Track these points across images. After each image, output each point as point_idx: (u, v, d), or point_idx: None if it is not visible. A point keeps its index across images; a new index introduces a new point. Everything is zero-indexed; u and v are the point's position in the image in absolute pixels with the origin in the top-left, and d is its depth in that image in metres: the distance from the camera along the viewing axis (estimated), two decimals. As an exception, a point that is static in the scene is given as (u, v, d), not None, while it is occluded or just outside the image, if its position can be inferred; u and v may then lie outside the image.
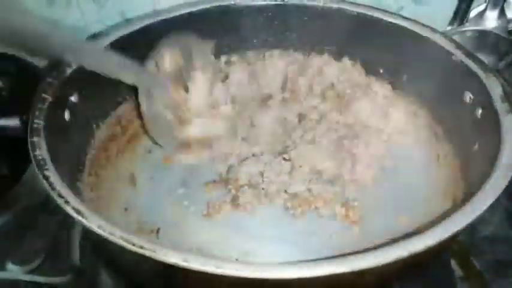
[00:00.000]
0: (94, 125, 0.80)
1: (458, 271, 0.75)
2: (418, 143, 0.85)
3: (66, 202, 0.54)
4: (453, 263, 0.76)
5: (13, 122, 0.78)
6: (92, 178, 0.75)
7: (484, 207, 0.55)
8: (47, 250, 0.75)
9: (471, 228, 0.77)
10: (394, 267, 0.51)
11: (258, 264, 0.50)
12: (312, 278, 0.48)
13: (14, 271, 0.72)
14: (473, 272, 0.75)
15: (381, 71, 0.92)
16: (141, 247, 0.49)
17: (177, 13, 0.87)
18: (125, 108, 0.86)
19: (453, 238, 0.53)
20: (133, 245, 0.49)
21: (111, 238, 0.50)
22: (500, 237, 0.79)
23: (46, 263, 0.74)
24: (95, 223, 0.52)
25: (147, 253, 0.48)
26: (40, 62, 0.98)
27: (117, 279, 0.73)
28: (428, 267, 0.67)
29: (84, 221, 0.53)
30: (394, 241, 0.51)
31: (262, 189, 0.79)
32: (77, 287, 0.72)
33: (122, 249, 0.50)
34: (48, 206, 0.78)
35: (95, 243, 0.70)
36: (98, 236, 0.51)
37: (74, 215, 0.53)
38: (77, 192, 0.65)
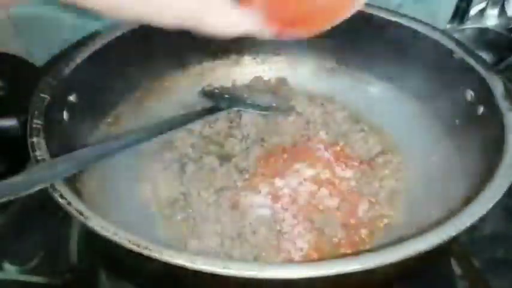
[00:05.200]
0: (93, 124, 0.79)
1: (457, 270, 0.75)
2: (419, 142, 0.84)
3: (69, 203, 0.54)
4: (453, 262, 0.76)
5: (11, 122, 0.77)
6: (91, 178, 0.74)
7: (490, 206, 0.55)
8: (44, 250, 0.74)
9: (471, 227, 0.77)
10: (394, 268, 0.51)
11: (265, 264, 0.49)
12: (318, 277, 0.48)
13: (11, 271, 0.71)
14: (472, 270, 0.75)
15: (381, 69, 0.91)
16: (147, 248, 0.48)
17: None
18: (124, 108, 0.86)
19: (455, 239, 0.53)
20: (139, 246, 0.48)
21: (116, 239, 0.50)
22: (499, 236, 0.79)
23: (44, 264, 0.73)
24: (98, 224, 0.51)
25: (153, 254, 0.48)
26: (38, 62, 0.98)
27: (116, 280, 0.73)
28: (429, 266, 0.68)
29: (87, 222, 0.52)
30: (398, 241, 0.51)
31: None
32: (75, 287, 0.72)
33: (126, 250, 0.49)
34: (45, 206, 0.77)
35: (95, 244, 0.70)
36: (101, 237, 0.51)
37: (77, 216, 0.53)
38: (77, 193, 0.64)
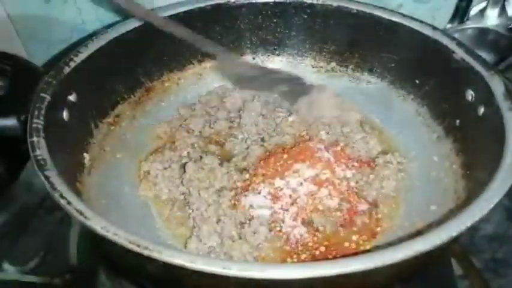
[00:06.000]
0: (92, 124, 0.79)
1: (457, 269, 0.75)
2: (419, 142, 0.84)
3: (69, 203, 0.54)
4: (453, 262, 0.76)
5: (11, 121, 0.77)
6: (91, 178, 0.74)
7: (490, 206, 0.55)
8: (44, 250, 0.74)
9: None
10: (395, 269, 0.51)
11: (265, 264, 0.49)
12: (319, 278, 0.48)
13: (10, 271, 0.71)
14: (472, 270, 0.75)
15: (381, 69, 0.92)
16: (147, 248, 0.48)
17: (175, 11, 0.87)
18: (124, 107, 0.86)
19: (455, 239, 0.53)
20: (139, 246, 0.48)
21: (116, 239, 0.50)
22: (499, 236, 0.79)
23: (43, 263, 0.73)
24: (98, 224, 0.51)
25: (153, 254, 0.48)
26: (38, 62, 0.98)
27: (116, 280, 0.72)
28: (429, 267, 0.67)
29: (87, 222, 0.52)
30: (398, 242, 0.51)
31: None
32: (75, 287, 0.72)
33: (126, 250, 0.49)
34: (45, 206, 0.78)
35: (95, 244, 0.70)
36: (101, 237, 0.51)
37: (77, 216, 0.53)
38: (77, 192, 0.64)
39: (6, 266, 0.72)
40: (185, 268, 0.47)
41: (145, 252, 0.48)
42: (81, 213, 0.53)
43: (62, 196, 0.55)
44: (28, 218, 0.78)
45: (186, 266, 0.47)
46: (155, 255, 0.48)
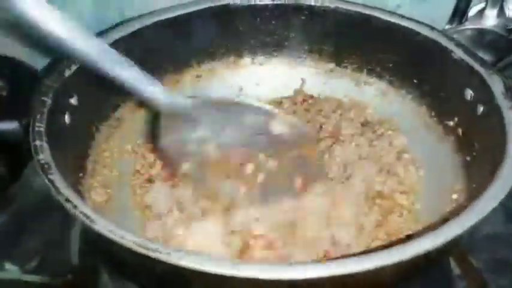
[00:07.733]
0: (94, 128, 0.79)
1: (456, 269, 0.75)
2: (418, 142, 0.85)
3: (75, 207, 0.54)
4: (451, 262, 0.76)
5: (12, 125, 0.77)
6: (93, 181, 0.74)
7: (492, 206, 0.55)
8: (45, 250, 0.75)
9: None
10: (393, 270, 0.51)
11: (267, 265, 0.49)
12: (318, 278, 0.48)
13: (12, 271, 0.72)
14: (471, 270, 0.75)
15: (379, 69, 0.92)
16: (154, 250, 0.48)
17: (175, 14, 0.87)
18: (125, 110, 0.86)
19: (458, 239, 0.53)
20: (147, 249, 0.48)
21: (122, 242, 0.50)
22: (498, 236, 0.79)
23: (44, 263, 0.73)
24: (105, 228, 0.51)
25: (162, 257, 0.48)
26: (38, 65, 0.97)
27: (118, 281, 0.73)
28: (430, 266, 0.68)
29: (94, 225, 0.52)
30: (398, 243, 0.51)
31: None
32: (76, 287, 0.72)
33: (134, 253, 0.49)
34: (46, 206, 0.78)
35: (98, 246, 0.70)
36: (107, 240, 0.51)
37: (84, 219, 0.53)
38: (80, 196, 0.64)
39: (7, 265, 0.72)
40: (193, 270, 0.47)
41: (153, 255, 0.48)
42: (87, 217, 0.53)
43: (67, 200, 0.55)
44: (29, 217, 0.78)
45: (195, 268, 0.47)
46: (163, 257, 0.48)
